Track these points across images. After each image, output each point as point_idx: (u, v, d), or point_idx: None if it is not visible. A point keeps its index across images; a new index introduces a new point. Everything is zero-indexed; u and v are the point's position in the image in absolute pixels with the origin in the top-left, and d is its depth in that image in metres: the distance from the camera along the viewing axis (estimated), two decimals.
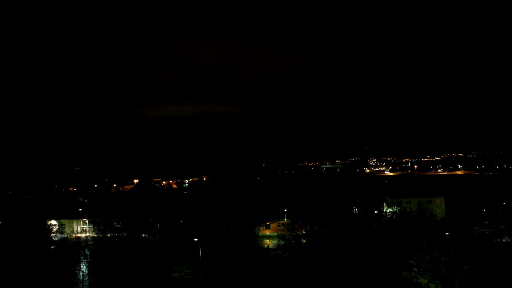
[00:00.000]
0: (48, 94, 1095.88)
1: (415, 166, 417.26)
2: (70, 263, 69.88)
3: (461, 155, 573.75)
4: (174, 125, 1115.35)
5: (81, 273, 65.70)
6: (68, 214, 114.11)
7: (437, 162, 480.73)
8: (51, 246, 77.79)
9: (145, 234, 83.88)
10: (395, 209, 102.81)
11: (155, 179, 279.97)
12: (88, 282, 64.01)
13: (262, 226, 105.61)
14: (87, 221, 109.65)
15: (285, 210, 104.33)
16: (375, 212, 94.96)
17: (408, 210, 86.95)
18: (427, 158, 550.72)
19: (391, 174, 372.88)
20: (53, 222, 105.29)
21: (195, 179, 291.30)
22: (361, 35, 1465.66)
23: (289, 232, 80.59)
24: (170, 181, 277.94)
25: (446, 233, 68.36)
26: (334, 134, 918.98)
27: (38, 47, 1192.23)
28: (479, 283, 54.11)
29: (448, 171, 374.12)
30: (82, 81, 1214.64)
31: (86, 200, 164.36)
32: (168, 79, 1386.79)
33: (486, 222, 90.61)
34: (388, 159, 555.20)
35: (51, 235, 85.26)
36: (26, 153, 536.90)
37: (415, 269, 55.53)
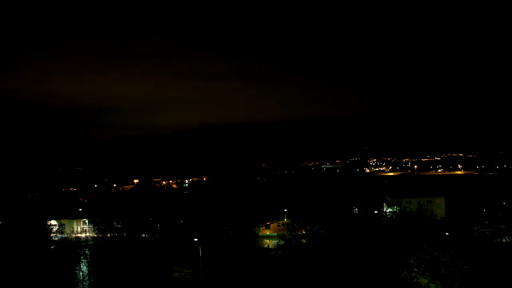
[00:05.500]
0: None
1: (415, 166, 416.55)
2: (70, 263, 69.80)
3: (461, 155, 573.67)
4: (174, 126, 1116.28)
5: (81, 273, 65.59)
6: (68, 214, 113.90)
7: (437, 162, 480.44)
8: (51, 246, 77.83)
9: (145, 234, 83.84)
10: (395, 209, 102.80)
11: (155, 179, 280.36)
12: (88, 282, 63.93)
13: (262, 226, 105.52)
14: (87, 221, 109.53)
15: (285, 210, 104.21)
16: (375, 212, 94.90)
17: (408, 210, 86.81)
18: (427, 158, 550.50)
19: (391, 174, 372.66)
20: (53, 222, 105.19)
21: (195, 179, 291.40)
22: (363, 35, 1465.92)
23: (289, 232, 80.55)
24: (170, 181, 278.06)
25: (446, 233, 68.23)
26: (334, 134, 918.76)
27: None
28: (479, 283, 54.06)
29: (448, 171, 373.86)
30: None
31: (86, 200, 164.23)
32: None
33: (486, 222, 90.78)
34: (388, 159, 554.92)
35: (51, 235, 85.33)
36: (26, 153, 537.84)
37: (415, 269, 55.58)
